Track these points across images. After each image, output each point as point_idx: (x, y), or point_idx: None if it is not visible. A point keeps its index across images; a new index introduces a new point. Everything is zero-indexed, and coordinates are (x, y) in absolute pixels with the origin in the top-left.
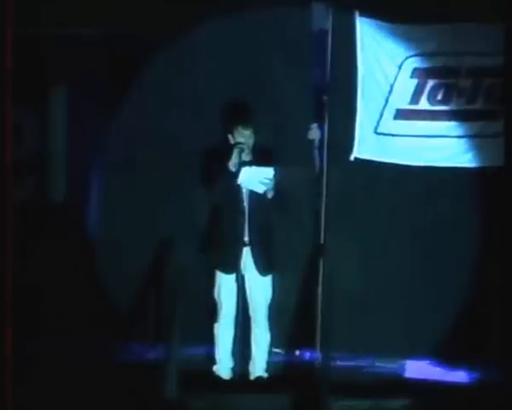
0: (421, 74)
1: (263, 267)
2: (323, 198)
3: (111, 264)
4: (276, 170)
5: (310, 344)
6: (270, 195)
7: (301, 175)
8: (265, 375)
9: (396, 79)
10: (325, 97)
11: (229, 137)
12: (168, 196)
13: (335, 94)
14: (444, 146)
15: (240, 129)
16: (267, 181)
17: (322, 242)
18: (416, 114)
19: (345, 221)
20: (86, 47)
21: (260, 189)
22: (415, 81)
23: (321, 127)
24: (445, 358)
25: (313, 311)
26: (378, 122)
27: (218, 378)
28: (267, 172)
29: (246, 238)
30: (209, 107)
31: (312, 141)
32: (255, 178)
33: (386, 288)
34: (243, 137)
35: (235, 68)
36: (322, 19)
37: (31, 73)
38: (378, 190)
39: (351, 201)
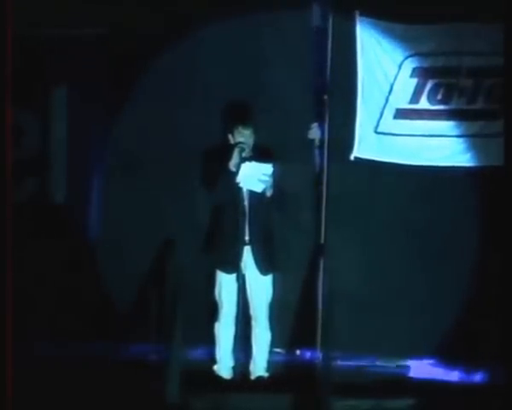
0: (421, 74)
1: (263, 266)
2: (324, 197)
3: (112, 264)
4: (274, 167)
5: (310, 344)
6: (269, 193)
7: (302, 174)
8: (266, 374)
9: (396, 78)
10: (325, 97)
11: (230, 136)
12: (169, 195)
13: (336, 93)
14: (444, 145)
15: (240, 129)
16: (266, 178)
17: (322, 241)
18: (415, 113)
19: (345, 220)
20: (86, 47)
21: (259, 187)
22: (415, 81)
23: (321, 127)
24: (447, 358)
25: (314, 310)
26: (378, 122)
27: (219, 378)
28: (266, 169)
29: (246, 237)
30: (209, 107)
31: (313, 140)
32: (254, 176)
33: (387, 287)
34: (243, 136)
35: (235, 68)
36: (323, 18)
37: (31, 73)
38: (378, 190)
39: (351, 200)
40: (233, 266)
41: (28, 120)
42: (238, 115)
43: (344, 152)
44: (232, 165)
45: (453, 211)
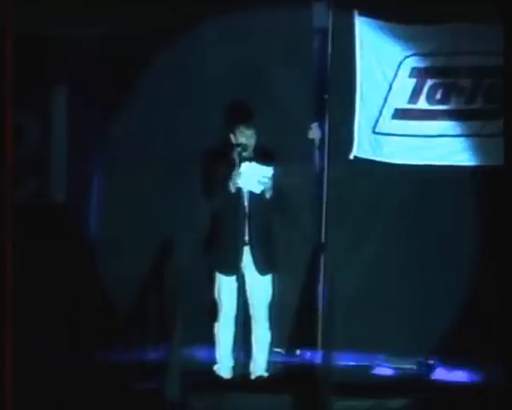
0: (420, 74)
1: (262, 267)
2: (324, 197)
3: (111, 264)
4: (275, 169)
5: (310, 344)
6: (268, 195)
7: (302, 174)
8: (266, 374)
9: (395, 78)
10: (326, 96)
11: (231, 137)
12: (169, 196)
13: (336, 93)
14: (443, 145)
15: (241, 129)
16: (265, 180)
17: (323, 241)
18: (414, 113)
19: (345, 220)
20: (86, 47)
21: (258, 188)
22: (413, 81)
23: (321, 126)
24: (446, 358)
25: (314, 310)
26: (376, 121)
27: (219, 378)
28: (266, 171)
29: (246, 238)
30: (211, 107)
31: (313, 140)
32: (254, 177)
33: (387, 288)
34: (245, 136)
35: (236, 68)
36: (323, 18)
37: (31, 73)
38: (378, 190)
39: (351, 200)
40: (232, 267)
41: (28, 120)
42: (240, 115)
43: (344, 152)
44: (233, 187)
45: (454, 211)
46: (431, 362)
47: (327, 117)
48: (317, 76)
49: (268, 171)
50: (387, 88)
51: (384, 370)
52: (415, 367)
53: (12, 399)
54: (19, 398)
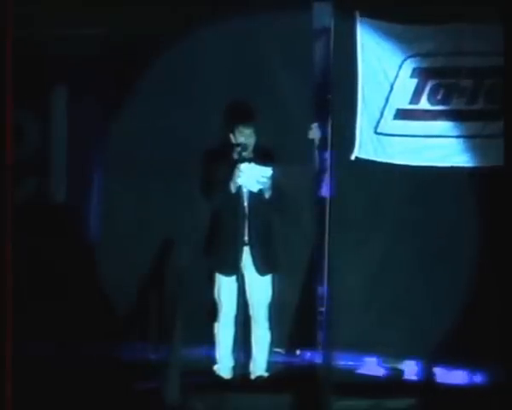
0: (422, 74)
1: (261, 267)
2: (328, 198)
3: (111, 264)
4: (274, 170)
5: (310, 344)
6: (267, 194)
7: (302, 175)
8: (266, 374)
9: (396, 78)
10: (329, 96)
11: (231, 136)
12: (169, 196)
13: (339, 93)
14: (443, 146)
15: (241, 128)
16: (264, 180)
17: (326, 241)
18: (416, 113)
19: (347, 221)
20: (86, 47)
21: (256, 187)
22: (415, 81)
23: (324, 127)
24: (446, 358)
25: (314, 310)
26: (378, 122)
27: (219, 378)
28: (265, 171)
29: (245, 238)
30: (210, 107)
31: (312, 140)
32: (252, 176)
33: (388, 288)
34: (244, 136)
35: (236, 68)
36: (324, 18)
37: (31, 73)
38: (380, 190)
39: (354, 200)
40: (232, 268)
41: (28, 120)
42: (239, 115)
43: (346, 152)
44: (233, 187)
45: (455, 211)
46: (430, 363)
47: (329, 118)
48: (319, 77)
49: (267, 171)
50: (389, 88)
51: (384, 370)
52: (414, 368)
53: (12, 398)
54: (19, 398)
